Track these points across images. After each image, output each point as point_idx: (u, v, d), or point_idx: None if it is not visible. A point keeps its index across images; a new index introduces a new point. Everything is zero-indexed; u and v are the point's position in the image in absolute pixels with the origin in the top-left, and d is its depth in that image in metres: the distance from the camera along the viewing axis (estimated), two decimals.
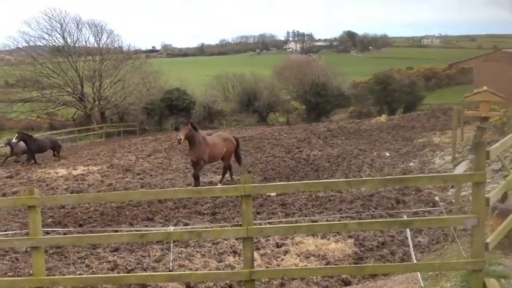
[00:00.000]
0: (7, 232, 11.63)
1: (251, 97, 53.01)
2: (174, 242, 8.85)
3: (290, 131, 34.98)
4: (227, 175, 17.79)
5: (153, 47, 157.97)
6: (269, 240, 9.69)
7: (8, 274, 8.37)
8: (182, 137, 15.87)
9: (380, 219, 9.13)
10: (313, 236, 9.67)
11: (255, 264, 6.46)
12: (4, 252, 9.88)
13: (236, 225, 10.59)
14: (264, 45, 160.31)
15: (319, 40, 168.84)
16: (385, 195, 13.03)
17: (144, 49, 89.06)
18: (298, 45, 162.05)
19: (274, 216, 11.68)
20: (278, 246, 9.38)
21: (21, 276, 7.99)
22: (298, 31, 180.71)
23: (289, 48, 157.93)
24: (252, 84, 55.22)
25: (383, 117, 37.43)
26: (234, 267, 8.13)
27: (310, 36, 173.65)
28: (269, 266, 8.26)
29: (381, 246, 9.16)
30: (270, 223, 10.79)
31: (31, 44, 48.93)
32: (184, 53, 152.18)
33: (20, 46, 49.14)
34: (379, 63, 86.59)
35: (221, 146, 17.15)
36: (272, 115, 54.52)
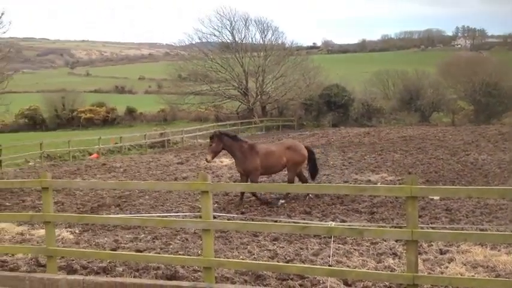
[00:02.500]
0: (178, 214, 12.69)
1: (413, 95, 50.89)
2: (332, 237, 8.85)
3: (455, 132, 32.94)
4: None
5: (313, 43, 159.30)
6: (432, 245, 9.22)
7: (180, 253, 9.09)
8: (209, 157, 13.87)
9: None
10: (482, 245, 8.99)
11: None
12: (176, 232, 10.75)
13: (396, 227, 10.28)
14: (430, 41, 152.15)
15: (492, 36, 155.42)
16: None
17: (305, 45, 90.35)
18: (467, 42, 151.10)
19: (438, 221, 11.09)
20: (442, 252, 8.88)
21: (190, 256, 8.63)
22: (468, 26, 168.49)
23: (457, 45, 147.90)
24: (414, 81, 53.02)
25: None
26: (394, 269, 7.90)
27: (482, 31, 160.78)
28: (432, 272, 7.86)
29: None
30: (432, 228, 10.30)
31: (203, 41, 52.76)
32: (345, 50, 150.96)
33: (194, 42, 53.28)
34: None
35: (278, 154, 14.22)
36: (435, 115, 51.74)
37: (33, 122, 60.78)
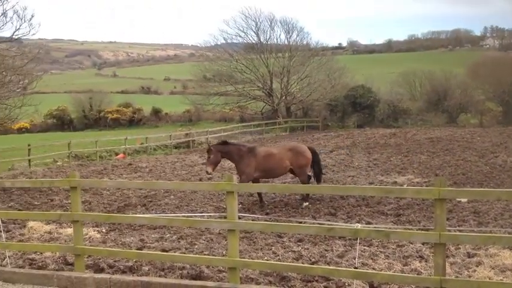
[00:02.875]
0: (203, 214, 12.76)
1: (440, 96, 50.19)
2: (358, 239, 8.78)
3: (484, 133, 32.40)
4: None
5: (339, 43, 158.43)
6: (459, 248, 9.08)
7: (205, 253, 9.12)
8: (210, 169, 13.64)
9: None
10: (510, 249, 8.81)
11: None
12: (201, 232, 10.80)
13: (423, 229, 10.15)
14: (458, 41, 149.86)
15: None
16: None
17: (330, 46, 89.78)
18: (496, 42, 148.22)
19: (465, 224, 10.91)
20: (469, 256, 8.73)
21: (215, 256, 8.65)
22: (497, 26, 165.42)
23: (485, 45, 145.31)
24: (442, 82, 52.25)
25: None
26: (421, 272, 7.79)
27: (511, 31, 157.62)
28: (459, 276, 7.74)
29: None
30: (460, 231, 10.13)
31: (228, 42, 52.98)
32: (371, 50, 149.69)
33: (219, 43, 53.56)
34: None
35: (279, 157, 13.83)
36: (463, 116, 50.90)
37: (61, 122, 61.96)
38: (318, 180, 14.71)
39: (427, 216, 11.79)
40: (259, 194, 13.97)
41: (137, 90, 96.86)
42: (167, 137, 36.04)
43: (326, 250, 9.28)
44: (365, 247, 9.31)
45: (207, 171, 14.00)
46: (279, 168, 14.03)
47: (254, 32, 51.28)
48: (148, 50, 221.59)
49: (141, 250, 9.15)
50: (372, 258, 8.57)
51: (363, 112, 49.37)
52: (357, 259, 7.64)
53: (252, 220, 11.33)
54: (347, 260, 8.46)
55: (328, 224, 10.28)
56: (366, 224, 11.16)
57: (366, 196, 13.67)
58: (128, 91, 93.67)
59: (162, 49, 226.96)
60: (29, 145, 26.55)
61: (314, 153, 14.58)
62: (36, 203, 15.21)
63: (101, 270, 8.04)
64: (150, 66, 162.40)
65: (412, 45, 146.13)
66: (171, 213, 13.09)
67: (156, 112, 61.72)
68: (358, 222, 11.18)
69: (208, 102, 51.01)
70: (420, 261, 8.42)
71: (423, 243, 9.16)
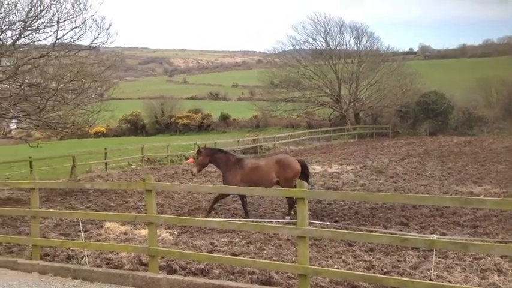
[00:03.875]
0: (271, 220, 12.78)
1: None
2: (432, 251, 8.49)
3: None
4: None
5: (410, 48, 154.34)
6: None
7: (273, 258, 9.14)
8: (195, 170, 13.73)
9: None
10: None
11: None
12: (269, 238, 10.83)
13: (501, 242, 9.66)
14: None
15: None
16: None
17: (401, 51, 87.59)
18: None
19: None
20: None
21: (285, 262, 8.64)
22: None
23: None
24: None
25: None
26: (499, 286, 7.43)
27: None
28: None
29: None
30: None
31: (296, 48, 52.96)
32: (444, 55, 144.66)
33: (287, 49, 53.68)
34: None
35: (266, 169, 13.51)
36: None
37: (134, 127, 64.35)
38: None
39: (505, 229, 11.22)
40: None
41: (206, 97, 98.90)
42: (235, 143, 36.52)
43: (399, 261, 9.03)
44: (440, 259, 8.98)
45: (191, 171, 14.20)
46: (264, 180, 13.45)
47: (323, 37, 51.08)
48: (217, 57, 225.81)
49: (212, 253, 9.29)
50: (447, 271, 8.26)
51: (435, 119, 47.84)
52: (432, 271, 7.38)
53: (321, 227, 11.24)
54: (421, 272, 8.19)
55: (401, 234, 10.00)
56: (441, 235, 10.77)
57: (440, 206, 13.20)
58: (197, 97, 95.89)
59: (230, 56, 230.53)
60: (105, 149, 27.71)
61: (304, 167, 14.03)
62: (112, 204, 15.83)
63: (174, 272, 8.24)
64: (219, 73, 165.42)
65: (487, 50, 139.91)
66: (239, 218, 13.22)
67: (224, 118, 62.69)
68: (433, 233, 10.81)
69: (275, 108, 51.20)
70: (499, 275, 8.02)
71: (501, 257, 8.73)
